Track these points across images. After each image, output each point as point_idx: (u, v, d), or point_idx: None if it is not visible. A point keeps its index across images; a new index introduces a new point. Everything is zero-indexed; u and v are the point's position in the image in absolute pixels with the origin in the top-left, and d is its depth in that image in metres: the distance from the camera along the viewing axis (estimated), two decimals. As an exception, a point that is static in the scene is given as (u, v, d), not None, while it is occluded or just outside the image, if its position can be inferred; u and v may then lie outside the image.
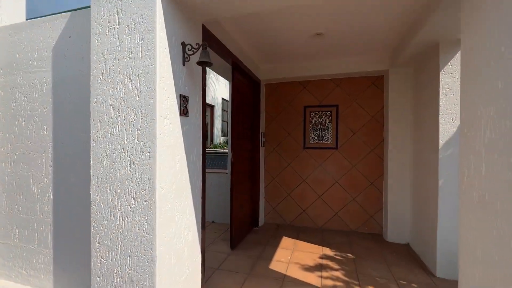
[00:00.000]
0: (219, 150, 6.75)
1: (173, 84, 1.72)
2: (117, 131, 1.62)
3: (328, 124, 3.91)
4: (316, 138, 3.96)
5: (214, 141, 9.98)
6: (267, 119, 4.20)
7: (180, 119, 1.81)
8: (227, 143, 12.43)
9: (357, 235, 3.66)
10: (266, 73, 3.94)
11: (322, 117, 3.94)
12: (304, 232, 3.72)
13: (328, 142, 3.91)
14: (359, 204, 3.77)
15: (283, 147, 4.11)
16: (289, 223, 4.07)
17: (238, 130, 3.22)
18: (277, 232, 3.73)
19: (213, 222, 4.13)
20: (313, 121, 3.98)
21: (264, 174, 4.20)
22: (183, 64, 1.84)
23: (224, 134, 13.96)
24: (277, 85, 4.14)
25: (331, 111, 3.90)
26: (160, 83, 1.58)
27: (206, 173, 4.20)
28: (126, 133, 1.60)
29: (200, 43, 1.98)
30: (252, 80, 3.69)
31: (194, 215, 2.00)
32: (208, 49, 1.93)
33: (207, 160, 4.27)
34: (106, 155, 1.65)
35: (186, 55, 1.84)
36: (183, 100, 1.83)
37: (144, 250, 1.56)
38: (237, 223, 3.18)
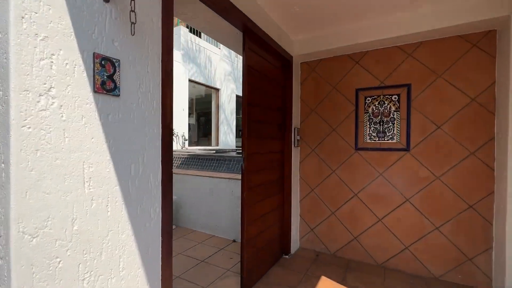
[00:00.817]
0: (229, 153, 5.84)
1: (73, 31, 0.91)
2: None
3: (393, 114, 2.64)
4: (374, 135, 2.73)
5: (221, 139, 9.09)
6: (303, 110, 3.14)
7: (97, 99, 0.99)
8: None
9: (443, 285, 2.33)
10: (301, 46, 2.89)
11: (384, 103, 2.69)
12: (355, 271, 2.57)
13: (394, 141, 2.64)
14: (448, 238, 2.41)
15: (325, 147, 3.00)
16: (333, 253, 2.94)
17: (254, 127, 2.29)
18: (315, 266, 2.67)
19: (234, 241, 3.30)
20: (370, 110, 2.75)
21: (299, 183, 3.16)
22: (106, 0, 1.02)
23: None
24: (317, 63, 3.04)
25: (398, 95, 2.62)
26: (23, 23, 0.78)
27: (222, 179, 3.53)
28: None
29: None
30: (279, 56, 2.70)
31: None
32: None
33: (219, 162, 3.49)
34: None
35: (111, -16, 1.01)
36: (106, 65, 1.01)
37: None
38: (253, 252, 2.27)
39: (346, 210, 2.87)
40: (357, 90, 2.81)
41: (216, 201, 3.52)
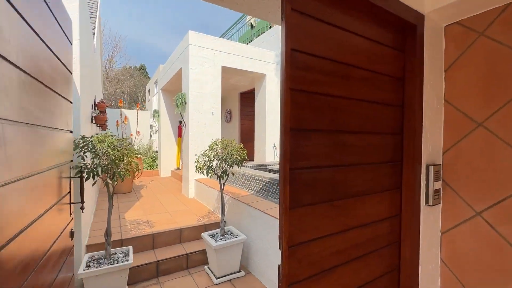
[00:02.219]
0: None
1: None
2: None
3: None
4: None
5: None
6: (453, 125, 1.50)
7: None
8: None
9: None
10: (446, -12, 1.32)
11: None
12: None
13: None
14: None
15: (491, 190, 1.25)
16: None
17: (319, 177, 1.08)
18: None
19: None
20: None
21: (441, 281, 1.54)
22: None
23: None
24: (492, 20, 1.33)
25: None
26: None
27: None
28: None
29: None
30: (384, 17, 1.29)
31: None
32: None
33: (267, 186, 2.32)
34: None
35: None
36: None
37: None
38: None
39: None
40: None
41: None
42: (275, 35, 6.24)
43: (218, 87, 5.20)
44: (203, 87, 5.01)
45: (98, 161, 2.17)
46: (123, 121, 5.68)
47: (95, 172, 2.13)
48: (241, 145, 3.02)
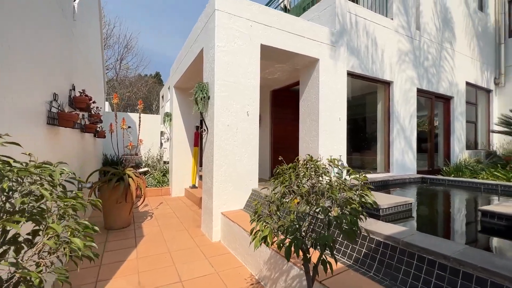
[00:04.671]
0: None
1: None
2: None
3: None
4: None
5: (396, 160, 5.20)
6: None
7: None
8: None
9: None
10: None
11: None
12: None
13: None
14: None
15: None
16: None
17: None
18: None
19: None
20: None
21: None
22: None
23: (471, 145, 8.03)
24: None
25: None
26: None
27: None
28: None
29: None
30: None
31: None
32: None
33: None
34: None
35: None
36: None
37: None
38: None
39: None
40: None
41: None
42: (328, 8, 4.55)
43: (255, 74, 3.55)
44: (234, 75, 3.37)
45: None
46: (121, 126, 4.11)
47: None
48: (355, 172, 1.30)
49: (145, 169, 6.45)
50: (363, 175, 1.28)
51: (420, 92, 6.03)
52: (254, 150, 3.53)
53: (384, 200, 2.86)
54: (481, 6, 8.09)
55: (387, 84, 5.42)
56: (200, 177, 6.27)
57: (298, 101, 4.66)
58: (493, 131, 6.90)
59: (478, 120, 8.09)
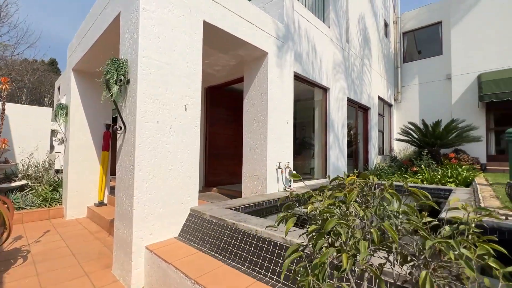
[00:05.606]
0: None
1: None
2: None
3: None
4: None
5: (331, 164, 5.67)
6: None
7: None
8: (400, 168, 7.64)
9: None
10: None
11: None
12: None
13: None
14: None
15: None
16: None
17: None
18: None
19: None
20: None
21: None
22: None
23: (380, 151, 9.27)
24: None
25: None
26: None
27: None
28: None
29: None
30: None
31: None
32: None
33: None
34: None
35: None
36: None
37: None
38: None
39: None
40: None
41: None
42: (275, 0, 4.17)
43: (197, 58, 2.74)
44: (168, 54, 2.48)
45: None
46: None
47: None
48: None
49: (22, 182, 4.51)
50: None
51: (348, 101, 6.43)
52: (194, 158, 2.70)
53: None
54: (386, 33, 9.58)
55: (325, 90, 5.48)
56: (112, 189, 4.84)
57: (238, 101, 4.09)
58: (398, 139, 8.10)
59: (384, 130, 9.45)
